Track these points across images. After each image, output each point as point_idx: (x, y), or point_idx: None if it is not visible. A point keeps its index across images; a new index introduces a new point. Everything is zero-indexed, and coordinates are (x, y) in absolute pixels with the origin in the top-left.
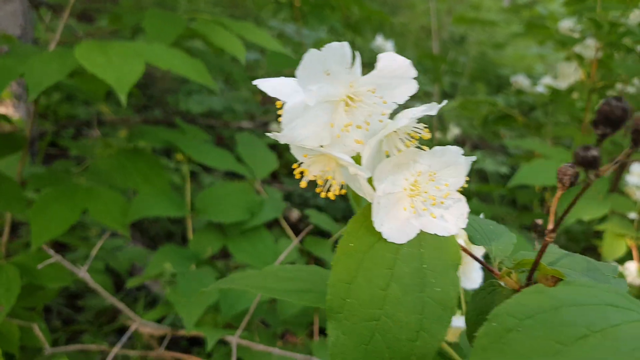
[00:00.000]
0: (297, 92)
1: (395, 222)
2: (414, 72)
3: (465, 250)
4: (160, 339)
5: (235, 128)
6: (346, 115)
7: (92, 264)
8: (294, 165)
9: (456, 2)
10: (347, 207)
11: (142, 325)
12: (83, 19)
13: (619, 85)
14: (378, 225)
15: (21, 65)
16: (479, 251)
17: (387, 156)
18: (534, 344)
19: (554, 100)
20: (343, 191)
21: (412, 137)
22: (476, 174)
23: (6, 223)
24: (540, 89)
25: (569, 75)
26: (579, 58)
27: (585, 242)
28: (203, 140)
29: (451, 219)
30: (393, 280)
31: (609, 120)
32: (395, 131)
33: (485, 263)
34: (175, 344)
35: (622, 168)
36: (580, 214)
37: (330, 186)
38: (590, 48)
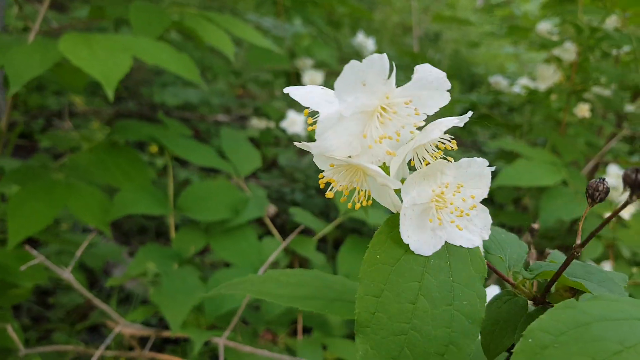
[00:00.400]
0: (328, 101)
1: (421, 234)
2: (448, 85)
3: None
4: (140, 338)
5: (211, 121)
6: (380, 126)
7: (65, 261)
8: (320, 175)
9: (432, 0)
10: (325, 203)
11: (125, 326)
12: (54, 7)
13: (596, 89)
14: (405, 237)
15: (0, 56)
16: None
17: (412, 166)
18: None
19: (531, 101)
20: (370, 202)
21: (438, 148)
22: None
23: None
24: (517, 89)
25: (548, 77)
26: (558, 61)
27: (559, 240)
28: (185, 135)
29: (475, 230)
30: (421, 293)
31: None
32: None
33: (501, 273)
34: (146, 342)
35: (596, 169)
36: (561, 214)
37: (356, 196)
38: (569, 51)
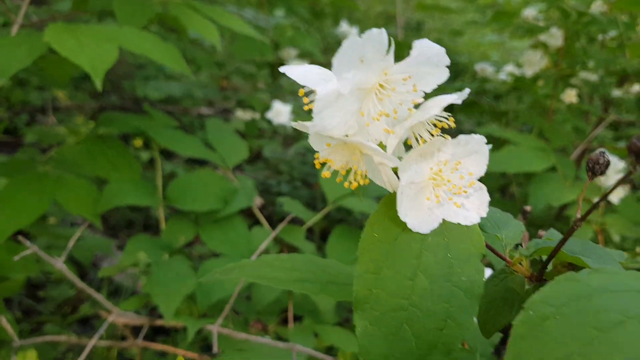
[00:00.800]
0: (325, 80)
1: (418, 212)
2: (448, 60)
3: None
4: (133, 328)
5: (194, 114)
6: (378, 103)
7: (56, 255)
8: (316, 155)
9: None
10: (310, 194)
11: (119, 315)
12: (32, 1)
13: (583, 74)
14: (402, 216)
15: None
16: None
17: (408, 144)
18: (571, 331)
19: (517, 88)
20: (367, 181)
21: (435, 126)
22: None
23: None
24: (503, 76)
25: (534, 63)
26: (545, 46)
27: (547, 227)
28: (171, 126)
29: (473, 207)
30: (420, 270)
31: None
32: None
33: (498, 251)
34: (138, 332)
35: (583, 154)
36: (550, 200)
37: (352, 176)
38: (555, 36)
